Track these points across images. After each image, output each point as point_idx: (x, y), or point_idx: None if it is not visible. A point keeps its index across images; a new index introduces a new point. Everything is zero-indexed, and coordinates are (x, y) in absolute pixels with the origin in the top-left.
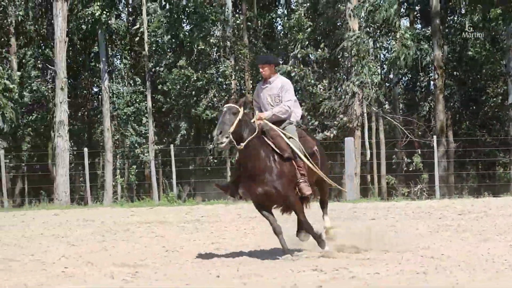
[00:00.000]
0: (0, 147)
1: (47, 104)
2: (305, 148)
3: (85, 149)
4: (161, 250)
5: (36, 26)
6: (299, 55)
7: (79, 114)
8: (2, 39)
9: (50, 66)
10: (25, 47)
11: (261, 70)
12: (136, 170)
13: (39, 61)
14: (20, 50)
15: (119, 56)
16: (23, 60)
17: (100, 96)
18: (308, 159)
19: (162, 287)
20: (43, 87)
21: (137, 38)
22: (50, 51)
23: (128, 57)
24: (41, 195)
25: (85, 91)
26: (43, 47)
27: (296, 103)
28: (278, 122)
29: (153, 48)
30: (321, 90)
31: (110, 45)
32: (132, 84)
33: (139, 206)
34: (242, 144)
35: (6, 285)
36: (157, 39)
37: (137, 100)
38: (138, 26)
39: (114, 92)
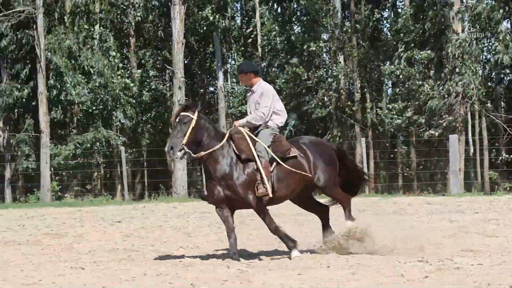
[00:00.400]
0: (120, 144)
1: (165, 102)
2: (277, 152)
3: None
4: (274, 242)
5: (154, 28)
6: (403, 55)
7: None
8: (123, 40)
9: (168, 66)
10: (144, 48)
11: (240, 80)
12: None
13: (157, 62)
14: (139, 51)
15: (234, 56)
16: (142, 61)
17: (215, 95)
18: (278, 163)
19: (276, 276)
20: (161, 86)
21: (249, 40)
22: (167, 52)
23: (242, 58)
24: (160, 189)
25: (201, 90)
26: (160, 48)
27: (281, 109)
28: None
29: (266, 50)
30: (428, 89)
31: (224, 46)
32: None
33: None
34: (202, 153)
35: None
36: (270, 41)
37: None
38: (251, 29)
39: (229, 91)
